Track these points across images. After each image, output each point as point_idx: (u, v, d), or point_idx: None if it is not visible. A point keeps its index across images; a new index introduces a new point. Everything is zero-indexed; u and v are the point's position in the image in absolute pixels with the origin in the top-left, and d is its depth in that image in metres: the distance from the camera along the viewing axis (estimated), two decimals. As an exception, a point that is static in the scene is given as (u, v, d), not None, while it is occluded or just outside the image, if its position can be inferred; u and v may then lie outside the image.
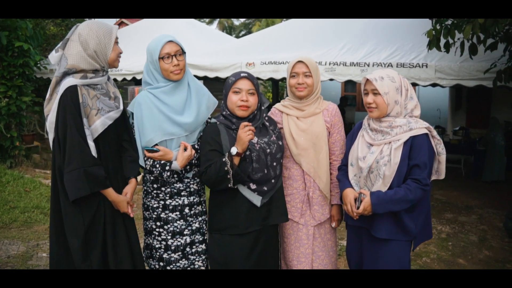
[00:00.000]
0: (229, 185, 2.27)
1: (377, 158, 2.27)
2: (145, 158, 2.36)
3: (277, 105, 2.68)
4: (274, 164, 2.39)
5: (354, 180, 2.39)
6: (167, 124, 2.33)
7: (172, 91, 2.37)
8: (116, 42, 2.29)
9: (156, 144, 2.34)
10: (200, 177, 2.34)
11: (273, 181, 2.38)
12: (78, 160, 2.12)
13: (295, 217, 2.57)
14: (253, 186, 2.33)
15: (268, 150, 2.37)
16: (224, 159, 2.23)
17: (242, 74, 2.36)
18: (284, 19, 24.35)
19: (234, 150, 2.23)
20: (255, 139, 2.36)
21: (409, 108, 2.30)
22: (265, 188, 2.35)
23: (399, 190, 2.20)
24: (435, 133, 2.28)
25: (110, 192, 2.24)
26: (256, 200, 2.33)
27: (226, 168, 2.22)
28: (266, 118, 2.51)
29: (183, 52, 2.39)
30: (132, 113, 2.40)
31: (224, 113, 2.42)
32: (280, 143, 2.47)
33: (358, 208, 2.26)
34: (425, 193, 2.23)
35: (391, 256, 2.29)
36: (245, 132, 2.21)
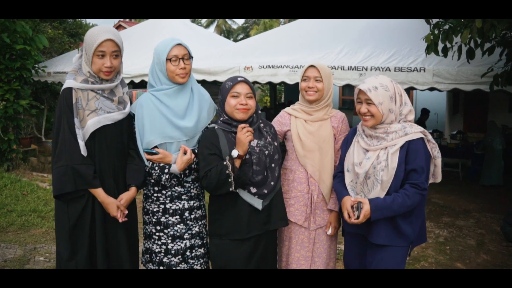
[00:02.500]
0: (230, 189, 2.24)
1: (374, 163, 2.26)
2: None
3: (287, 109, 2.69)
4: (273, 165, 2.38)
5: (350, 186, 2.38)
6: (167, 127, 2.32)
7: (175, 94, 2.37)
8: (99, 55, 2.21)
9: (156, 147, 2.33)
10: (200, 182, 2.33)
11: (272, 183, 2.37)
12: (67, 157, 2.17)
13: (299, 221, 2.56)
14: (253, 190, 2.32)
15: (267, 152, 2.37)
16: (225, 163, 2.21)
17: (239, 79, 2.35)
18: (282, 23, 24.40)
19: (235, 153, 2.22)
20: (254, 142, 2.36)
21: (404, 114, 2.29)
22: (265, 191, 2.34)
23: (397, 197, 2.19)
24: (430, 137, 2.28)
25: (99, 192, 2.25)
26: (257, 203, 2.32)
27: (227, 172, 2.19)
28: (260, 121, 2.49)
29: (190, 57, 2.39)
30: (134, 115, 2.40)
31: (222, 118, 2.39)
32: (276, 143, 2.45)
33: (358, 217, 2.21)
34: (423, 198, 2.23)
35: (391, 262, 2.27)
36: (244, 134, 2.21)
